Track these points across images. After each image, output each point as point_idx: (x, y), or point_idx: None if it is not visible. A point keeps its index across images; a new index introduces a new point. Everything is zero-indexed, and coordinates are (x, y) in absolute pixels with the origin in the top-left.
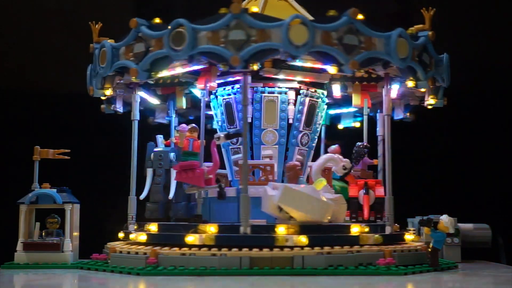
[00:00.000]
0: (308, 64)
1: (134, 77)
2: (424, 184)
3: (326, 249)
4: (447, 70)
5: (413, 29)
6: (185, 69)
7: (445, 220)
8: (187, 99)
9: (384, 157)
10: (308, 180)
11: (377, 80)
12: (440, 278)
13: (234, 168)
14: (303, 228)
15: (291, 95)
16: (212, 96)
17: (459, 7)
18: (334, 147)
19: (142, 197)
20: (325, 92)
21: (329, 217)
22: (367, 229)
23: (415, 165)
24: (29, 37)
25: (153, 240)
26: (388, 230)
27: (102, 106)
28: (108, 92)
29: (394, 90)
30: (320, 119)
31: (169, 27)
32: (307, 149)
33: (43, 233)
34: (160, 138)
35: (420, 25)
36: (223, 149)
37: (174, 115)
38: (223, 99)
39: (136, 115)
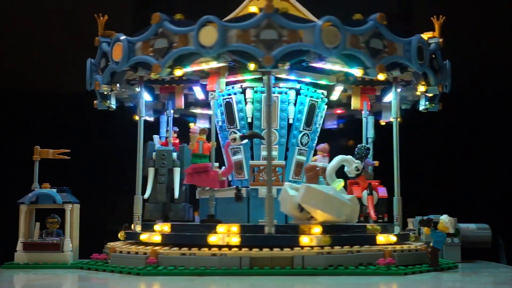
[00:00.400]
0: (319, 66)
1: (155, 73)
2: (424, 184)
3: (326, 249)
4: (450, 77)
5: (424, 36)
6: (209, 65)
7: (445, 220)
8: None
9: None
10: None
11: (375, 84)
12: (440, 278)
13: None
14: (326, 228)
15: (292, 95)
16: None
17: (458, 7)
18: (323, 145)
19: (146, 196)
20: (326, 92)
21: (345, 217)
22: (380, 229)
23: (415, 165)
24: (29, 37)
25: (168, 240)
26: (397, 230)
27: (95, 101)
28: (116, 87)
29: (390, 94)
30: (320, 119)
31: (197, 23)
32: (307, 149)
33: (43, 233)
34: (156, 138)
35: (430, 32)
36: (222, 150)
37: (171, 115)
38: (223, 99)
39: (142, 112)
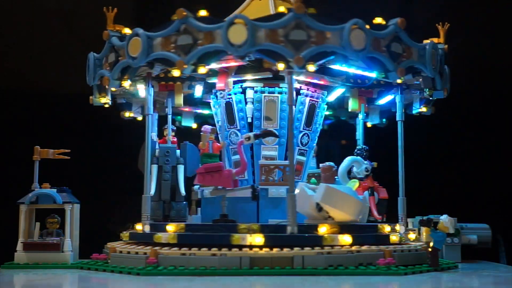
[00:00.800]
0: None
1: (179, 70)
2: (424, 184)
3: (326, 249)
4: (449, 81)
5: (428, 41)
6: (228, 64)
7: (445, 220)
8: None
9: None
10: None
11: (371, 87)
12: (440, 278)
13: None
14: (343, 227)
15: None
16: (212, 96)
17: (458, 7)
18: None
19: (151, 194)
20: (326, 92)
21: (361, 217)
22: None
23: (415, 165)
24: (29, 37)
25: (185, 240)
26: (402, 229)
27: (91, 97)
28: (127, 83)
29: (386, 98)
30: (320, 119)
31: (226, 21)
32: (307, 149)
33: (43, 233)
34: (154, 136)
35: (436, 39)
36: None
37: (170, 113)
38: (223, 99)
39: (150, 109)
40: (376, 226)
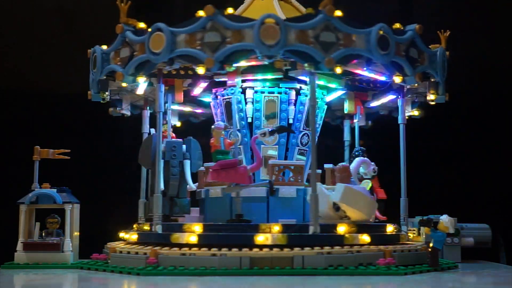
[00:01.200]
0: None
1: (206, 68)
2: (424, 184)
3: (326, 249)
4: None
5: (431, 47)
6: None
7: (445, 220)
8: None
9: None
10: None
11: (366, 90)
12: (440, 278)
13: None
14: (360, 227)
15: (292, 95)
16: (212, 96)
17: (458, 7)
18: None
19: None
20: (326, 92)
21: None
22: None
23: (414, 165)
24: (29, 37)
25: (205, 241)
26: (404, 229)
27: (89, 92)
28: (142, 79)
29: (382, 100)
30: (320, 119)
31: (258, 20)
32: (307, 149)
33: (43, 233)
34: (153, 132)
35: (437, 45)
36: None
37: (169, 109)
38: (223, 99)
39: (161, 106)
40: (385, 226)
